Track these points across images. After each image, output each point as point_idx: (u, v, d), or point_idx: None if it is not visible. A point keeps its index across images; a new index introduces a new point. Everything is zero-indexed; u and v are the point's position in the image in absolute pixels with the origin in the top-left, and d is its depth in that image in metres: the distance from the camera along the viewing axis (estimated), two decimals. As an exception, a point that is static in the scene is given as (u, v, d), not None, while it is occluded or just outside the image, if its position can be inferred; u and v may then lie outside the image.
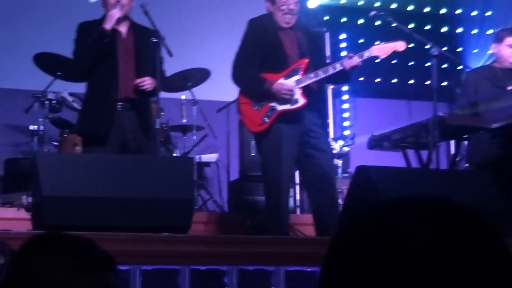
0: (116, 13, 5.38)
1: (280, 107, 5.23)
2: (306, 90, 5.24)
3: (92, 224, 3.92)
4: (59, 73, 7.01)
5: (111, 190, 4.09)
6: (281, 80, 5.26)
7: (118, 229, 3.97)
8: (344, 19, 9.43)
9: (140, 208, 4.09)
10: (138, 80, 5.36)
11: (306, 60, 5.27)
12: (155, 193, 4.13)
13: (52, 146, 7.22)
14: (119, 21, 5.45)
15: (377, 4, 9.27)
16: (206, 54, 8.14)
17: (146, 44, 5.43)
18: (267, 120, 5.24)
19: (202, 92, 7.59)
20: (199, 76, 7.34)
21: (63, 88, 7.18)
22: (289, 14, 5.31)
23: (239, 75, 5.39)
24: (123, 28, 5.54)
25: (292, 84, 5.23)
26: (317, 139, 5.27)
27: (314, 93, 5.32)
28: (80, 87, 7.27)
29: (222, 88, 8.03)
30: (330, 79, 5.44)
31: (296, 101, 5.23)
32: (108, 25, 5.37)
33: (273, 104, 5.25)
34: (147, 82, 5.36)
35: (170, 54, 5.35)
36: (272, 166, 5.23)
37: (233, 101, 7.52)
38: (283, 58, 5.31)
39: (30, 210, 5.83)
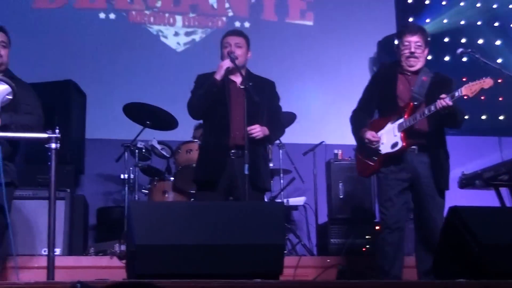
0: (225, 64, 5.47)
1: (384, 151, 5.33)
2: (413, 133, 5.27)
3: (185, 272, 3.93)
4: (148, 122, 7.16)
5: (203, 237, 4.10)
6: (389, 124, 5.35)
7: (210, 277, 3.96)
8: (430, 57, 9.31)
9: (232, 255, 4.08)
10: (248, 128, 5.42)
11: (411, 104, 5.30)
12: (247, 239, 4.13)
13: (142, 194, 7.33)
14: (231, 71, 5.53)
15: (464, 40, 9.13)
16: (292, 98, 8.18)
17: (259, 93, 5.45)
18: (372, 164, 5.38)
19: (288, 135, 7.60)
20: (285, 119, 7.35)
21: (152, 137, 7.32)
22: (411, 57, 5.36)
23: (351, 118, 5.58)
24: (237, 78, 5.60)
25: (379, 135, 5.33)
26: (424, 181, 5.26)
27: (424, 135, 5.32)
28: (169, 135, 7.44)
29: (307, 131, 8.08)
30: (441, 122, 5.36)
31: (396, 145, 5.28)
32: (218, 76, 5.47)
33: (377, 147, 5.36)
34: (256, 130, 5.41)
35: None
36: (380, 208, 5.36)
37: (319, 144, 7.58)
38: (393, 102, 5.38)
39: (122, 258, 5.93)
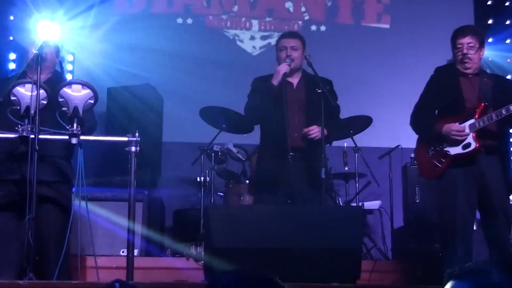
0: (282, 70, 5.49)
1: (453, 152, 5.19)
2: (483, 134, 5.16)
3: (262, 275, 3.95)
4: (224, 126, 7.21)
5: (280, 240, 4.13)
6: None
7: (287, 280, 3.97)
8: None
9: (310, 259, 4.09)
10: (305, 130, 5.42)
11: (482, 104, 5.20)
12: (325, 243, 4.14)
13: (218, 197, 7.39)
14: (286, 75, 5.53)
15: None
16: (368, 101, 8.13)
17: (318, 94, 5.45)
18: (440, 166, 5.23)
19: (364, 139, 7.56)
20: (361, 123, 7.31)
21: (228, 140, 7.37)
22: (464, 59, 5.26)
23: (414, 120, 5.45)
24: (294, 79, 5.65)
25: (462, 126, 5.18)
26: (495, 185, 5.14)
27: (493, 137, 5.22)
28: (245, 139, 7.48)
29: (383, 134, 8.01)
30: (509, 123, 5.27)
31: (468, 145, 5.16)
32: (275, 81, 5.50)
33: (446, 149, 5.22)
34: (314, 131, 5.42)
35: (332, 104, 5.35)
36: (447, 211, 5.18)
37: (395, 148, 7.51)
38: (460, 103, 5.28)
39: (199, 260, 5.99)
